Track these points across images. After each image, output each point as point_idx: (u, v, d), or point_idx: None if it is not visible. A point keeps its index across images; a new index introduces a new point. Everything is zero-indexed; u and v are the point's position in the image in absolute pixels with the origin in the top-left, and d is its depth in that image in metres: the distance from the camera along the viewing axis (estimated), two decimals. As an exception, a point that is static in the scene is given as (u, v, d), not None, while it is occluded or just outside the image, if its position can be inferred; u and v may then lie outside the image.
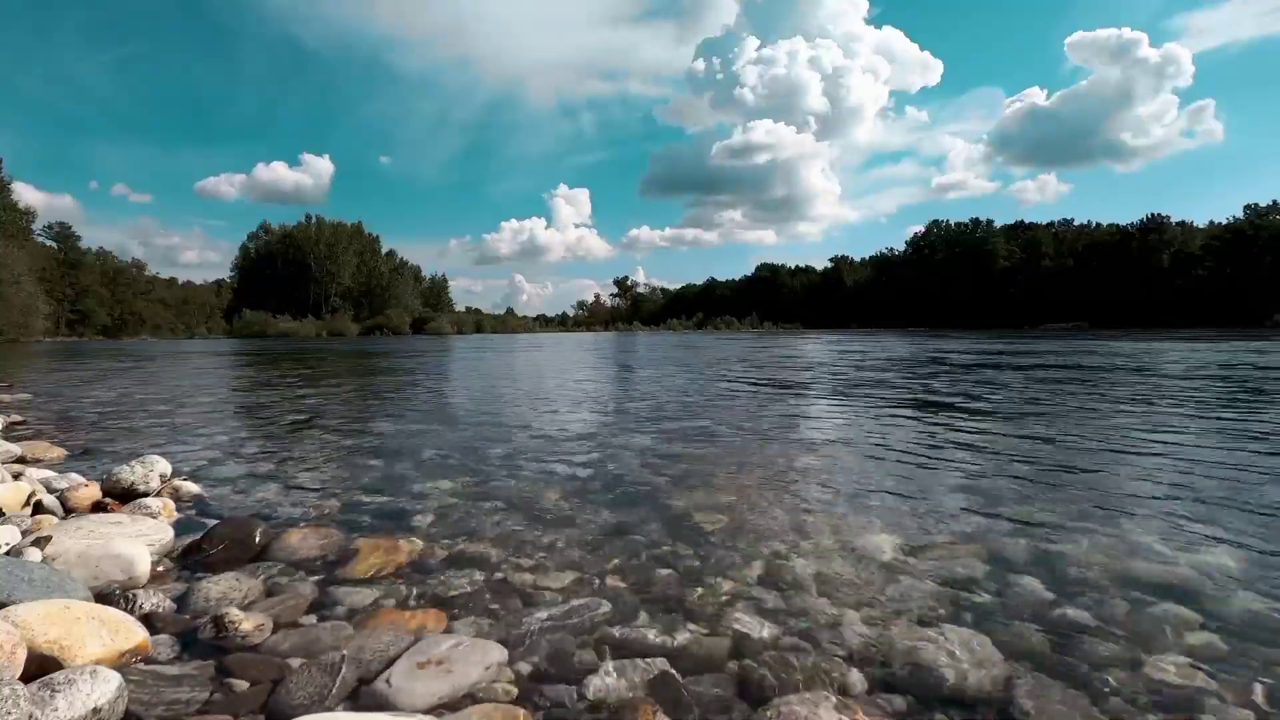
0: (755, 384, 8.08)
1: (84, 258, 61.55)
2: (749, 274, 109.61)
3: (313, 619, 1.60)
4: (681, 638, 1.49)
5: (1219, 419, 4.64)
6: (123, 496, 2.52)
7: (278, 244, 78.31)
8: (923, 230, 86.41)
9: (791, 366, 11.36)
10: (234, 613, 1.52)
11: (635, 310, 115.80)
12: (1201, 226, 63.27)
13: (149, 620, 1.53)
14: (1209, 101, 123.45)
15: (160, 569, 1.89)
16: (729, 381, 8.45)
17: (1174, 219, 63.76)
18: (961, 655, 1.38)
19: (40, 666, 1.21)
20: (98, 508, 2.40)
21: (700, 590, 1.76)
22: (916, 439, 4.06)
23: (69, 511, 2.38)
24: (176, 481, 2.76)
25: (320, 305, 76.25)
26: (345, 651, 1.36)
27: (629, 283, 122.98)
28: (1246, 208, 59.65)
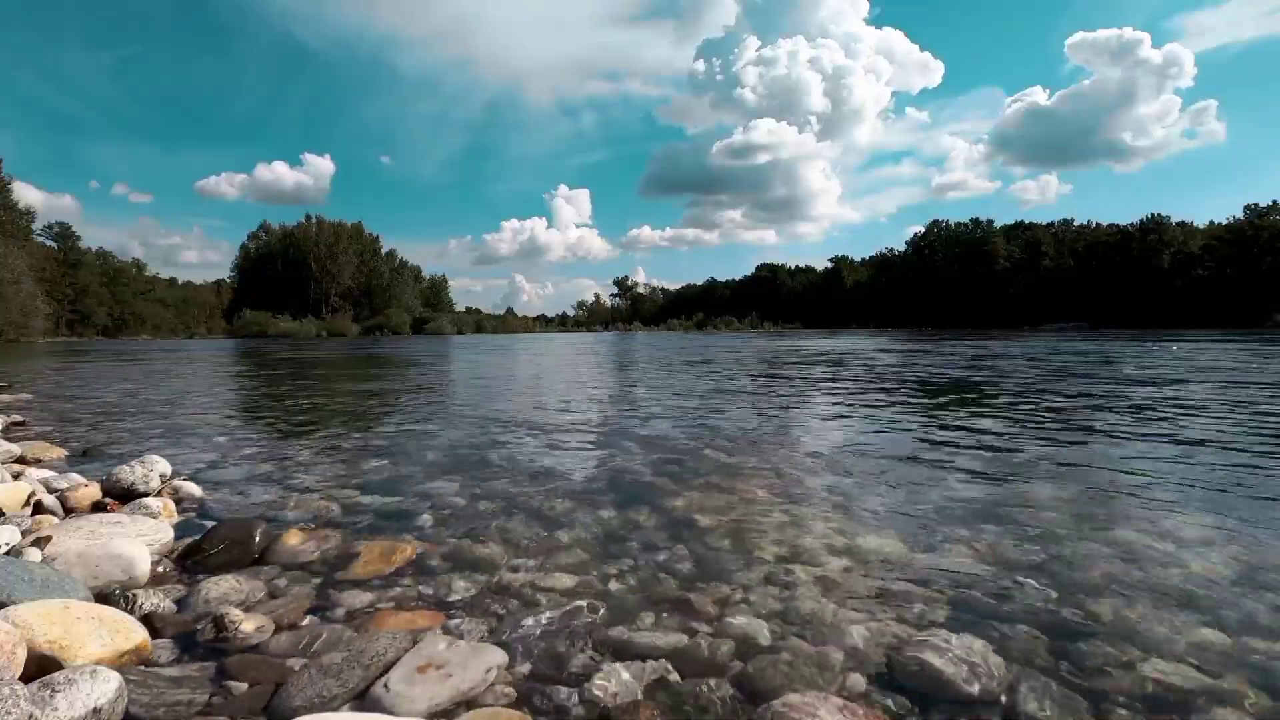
0: (755, 384, 8.08)
1: (84, 258, 61.60)
2: (749, 274, 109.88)
3: (313, 620, 1.60)
4: (682, 639, 1.49)
5: (1219, 419, 4.64)
6: (123, 497, 2.52)
7: (278, 244, 78.30)
8: (923, 230, 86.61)
9: (791, 367, 11.35)
10: (234, 613, 1.52)
11: (635, 310, 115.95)
12: (1202, 227, 63.28)
13: (149, 621, 1.53)
14: (1211, 102, 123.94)
15: (160, 569, 1.89)
16: (729, 381, 8.45)
17: (1174, 219, 63.83)
18: (962, 656, 1.38)
19: (40, 666, 1.21)
20: (98, 508, 2.40)
21: (700, 591, 1.76)
22: (917, 439, 4.06)
23: (69, 512, 2.38)
24: (177, 482, 2.76)
25: (320, 305, 76.23)
26: (345, 653, 1.36)
27: (629, 283, 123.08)
28: (1246, 208, 59.75)
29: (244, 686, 1.29)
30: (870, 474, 3.14)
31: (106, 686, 1.13)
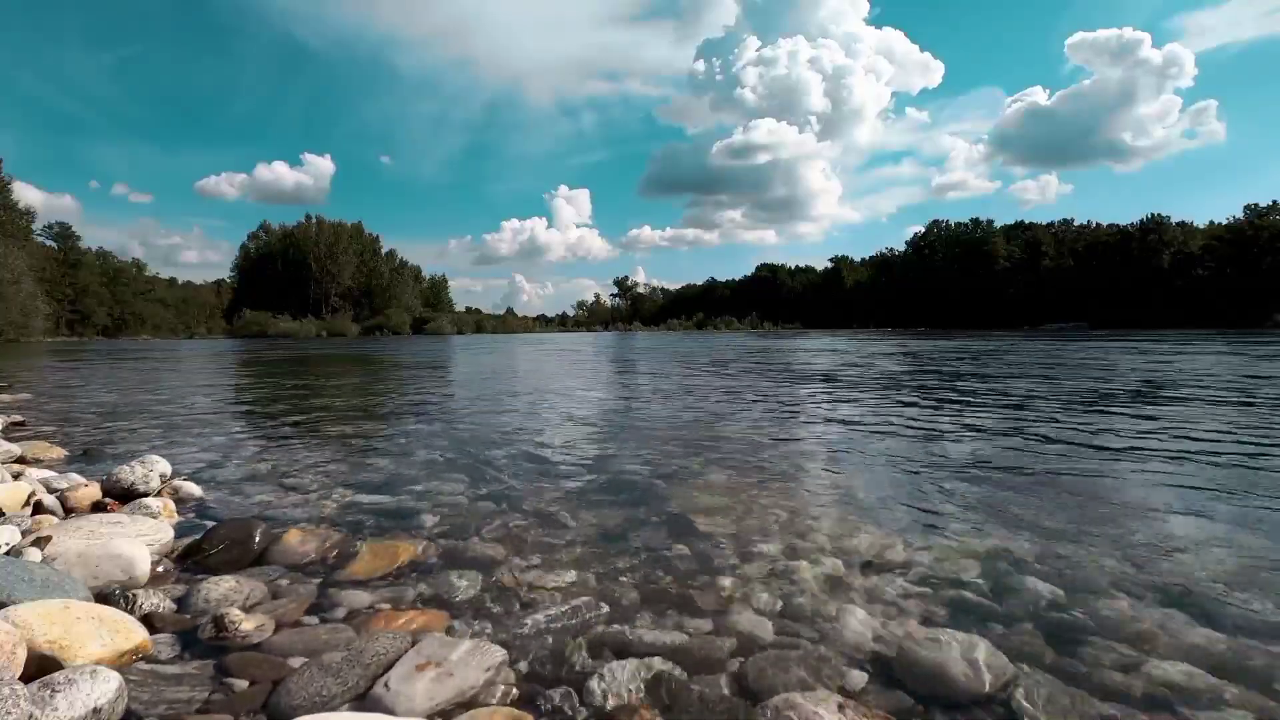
0: (755, 384, 8.08)
1: (84, 258, 61.65)
2: (749, 274, 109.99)
3: (313, 620, 1.60)
4: (681, 638, 1.49)
5: (1219, 419, 4.64)
6: (123, 497, 2.52)
7: (278, 244, 78.36)
8: (923, 230, 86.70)
9: (791, 366, 11.35)
10: (234, 613, 1.52)
11: (635, 310, 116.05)
12: (1202, 227, 63.29)
13: (149, 620, 1.53)
14: (1211, 102, 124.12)
15: (160, 569, 1.89)
16: (728, 381, 8.45)
17: (1174, 219, 63.85)
18: (962, 655, 1.38)
19: (40, 666, 1.21)
20: (98, 508, 2.40)
21: (700, 590, 1.76)
22: (916, 439, 4.06)
23: (69, 511, 2.38)
24: (177, 482, 2.76)
25: (320, 305, 76.27)
26: (346, 653, 1.36)
27: (629, 283, 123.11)
28: (1246, 208, 59.81)
29: (244, 684, 1.29)
30: (870, 472, 3.14)
31: (106, 686, 1.13)
